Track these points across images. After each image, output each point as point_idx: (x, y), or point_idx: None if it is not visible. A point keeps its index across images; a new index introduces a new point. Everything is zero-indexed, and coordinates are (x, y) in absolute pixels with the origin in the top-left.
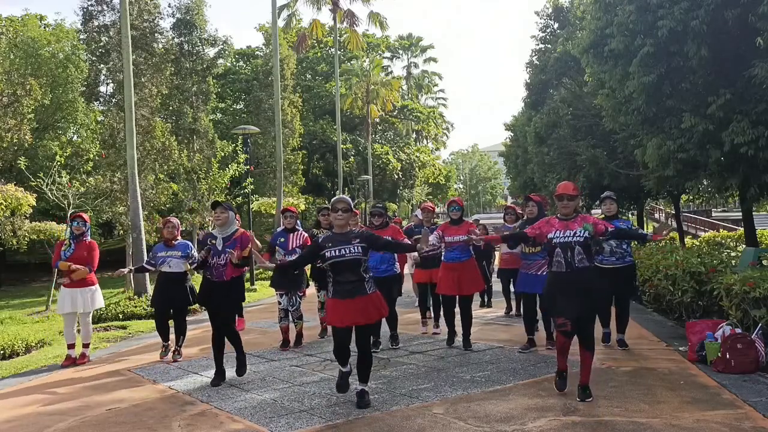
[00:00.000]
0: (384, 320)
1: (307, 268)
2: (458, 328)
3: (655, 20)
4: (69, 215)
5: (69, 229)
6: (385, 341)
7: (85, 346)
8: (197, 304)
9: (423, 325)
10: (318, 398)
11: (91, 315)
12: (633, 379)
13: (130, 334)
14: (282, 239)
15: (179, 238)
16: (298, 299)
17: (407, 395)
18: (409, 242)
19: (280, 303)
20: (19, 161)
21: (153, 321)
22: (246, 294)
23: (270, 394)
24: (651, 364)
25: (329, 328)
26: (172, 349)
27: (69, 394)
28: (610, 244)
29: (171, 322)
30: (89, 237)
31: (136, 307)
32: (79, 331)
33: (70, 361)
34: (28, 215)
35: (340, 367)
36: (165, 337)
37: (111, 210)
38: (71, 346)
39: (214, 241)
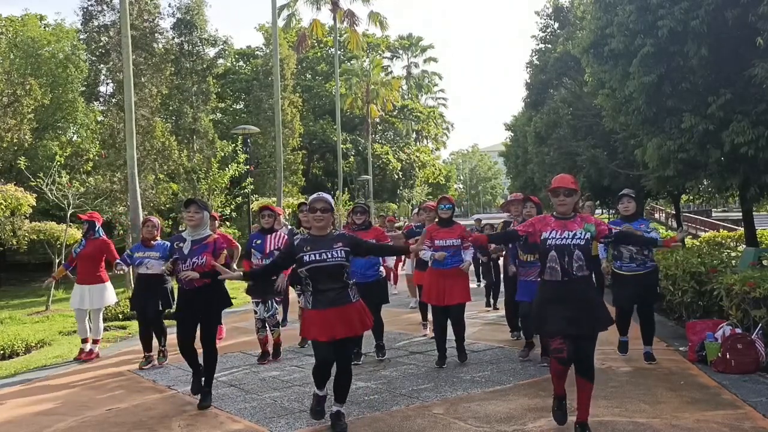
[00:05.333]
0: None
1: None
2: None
3: (655, 20)
4: (68, 216)
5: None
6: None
7: (95, 342)
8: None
9: (424, 328)
10: None
11: (101, 312)
12: (633, 379)
13: (130, 334)
14: (258, 241)
15: (158, 238)
16: (275, 305)
17: (407, 395)
18: (393, 244)
19: (256, 312)
20: (19, 161)
21: None
22: (233, 298)
23: (270, 394)
24: (651, 364)
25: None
26: (157, 352)
27: (69, 394)
28: (629, 249)
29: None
30: (98, 235)
31: None
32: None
33: (83, 355)
34: (28, 215)
35: (316, 390)
36: (147, 346)
37: (111, 210)
38: (84, 341)
39: (180, 245)
